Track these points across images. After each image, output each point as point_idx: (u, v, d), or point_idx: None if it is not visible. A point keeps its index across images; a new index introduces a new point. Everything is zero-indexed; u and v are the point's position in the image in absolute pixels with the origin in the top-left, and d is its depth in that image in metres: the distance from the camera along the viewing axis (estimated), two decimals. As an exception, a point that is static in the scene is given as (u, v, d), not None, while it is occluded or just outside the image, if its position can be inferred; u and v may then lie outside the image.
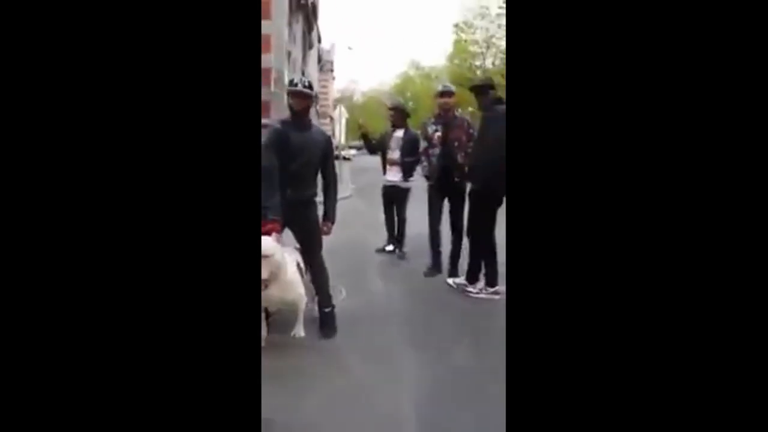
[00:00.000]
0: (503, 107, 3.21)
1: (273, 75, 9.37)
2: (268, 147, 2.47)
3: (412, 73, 39.62)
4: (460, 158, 3.71)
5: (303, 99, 2.51)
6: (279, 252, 2.30)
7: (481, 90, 3.43)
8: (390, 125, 4.67)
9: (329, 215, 2.76)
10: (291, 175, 2.50)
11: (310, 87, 2.59)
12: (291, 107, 2.54)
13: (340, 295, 2.88)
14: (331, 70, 47.65)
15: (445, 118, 3.83)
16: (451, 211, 3.97)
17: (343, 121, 14.73)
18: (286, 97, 2.63)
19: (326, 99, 34.11)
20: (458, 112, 4.04)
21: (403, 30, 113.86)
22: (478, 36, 23.95)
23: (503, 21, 21.08)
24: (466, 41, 24.32)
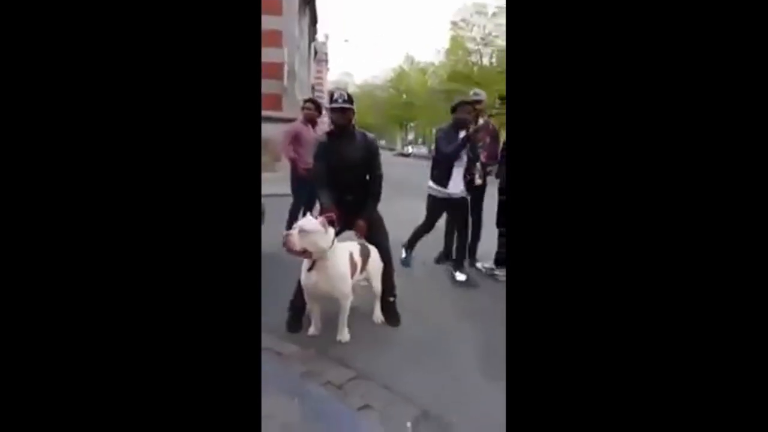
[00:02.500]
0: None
1: (285, 69, 9.67)
2: (317, 158, 2.80)
3: (406, 67, 39.98)
4: (483, 158, 3.96)
5: (343, 113, 2.72)
6: (321, 236, 2.39)
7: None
8: (455, 123, 3.78)
9: (363, 214, 2.81)
10: (344, 181, 2.77)
11: (350, 100, 2.74)
12: (333, 121, 2.78)
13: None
14: (326, 62, 47.72)
15: (475, 121, 3.91)
16: (472, 208, 4.05)
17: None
18: (328, 113, 2.83)
19: (321, 91, 34.33)
20: (484, 117, 4.22)
21: (399, 24, 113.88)
22: (476, 33, 24.42)
23: (501, 19, 21.51)
24: (463, 38, 24.76)
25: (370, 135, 2.93)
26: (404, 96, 40.29)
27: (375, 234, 2.92)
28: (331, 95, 2.80)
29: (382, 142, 40.59)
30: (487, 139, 4.05)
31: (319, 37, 40.78)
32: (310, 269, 2.50)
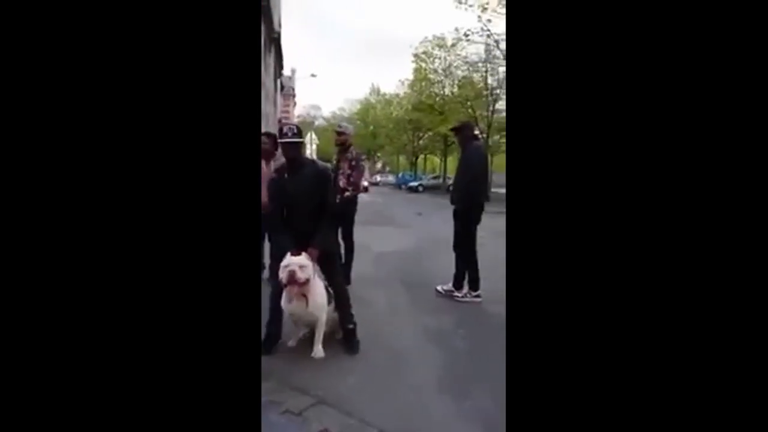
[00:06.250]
0: (477, 143, 3.98)
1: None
2: (271, 199, 2.90)
3: (373, 99, 40.86)
4: (342, 183, 4.45)
5: (292, 146, 2.85)
6: (309, 264, 2.77)
7: (460, 130, 4.15)
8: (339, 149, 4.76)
9: (315, 241, 2.84)
10: (299, 213, 2.89)
11: (299, 133, 2.89)
12: (284, 154, 2.91)
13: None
14: (293, 96, 48.37)
15: (339, 150, 4.68)
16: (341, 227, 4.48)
17: (314, 147, 15.22)
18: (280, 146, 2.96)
19: (288, 124, 34.50)
20: (351, 147, 4.71)
21: (364, 58, 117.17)
22: (437, 65, 25.29)
23: (460, 51, 22.46)
24: (425, 70, 25.57)
25: (322, 163, 3.08)
26: (371, 127, 41.03)
27: (330, 263, 3.02)
28: (281, 129, 2.95)
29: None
30: (346, 167, 4.52)
31: (286, 72, 41.38)
32: (299, 299, 2.79)
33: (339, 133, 4.72)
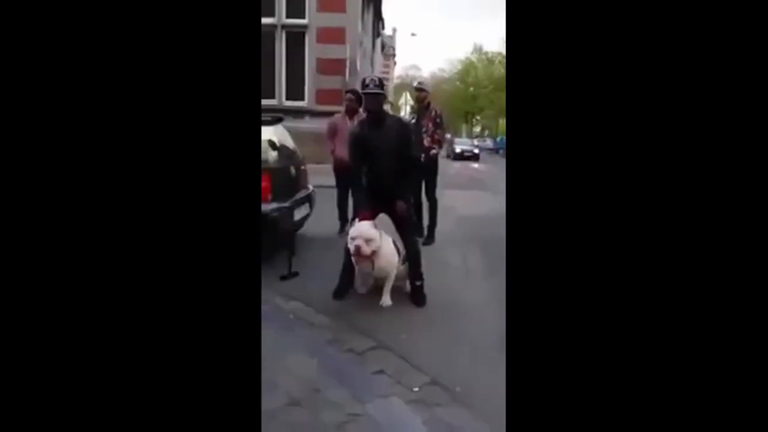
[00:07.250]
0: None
1: (348, 65, 10.03)
2: (351, 150, 2.93)
3: (474, 59, 39.28)
4: (426, 141, 4.44)
5: (375, 98, 2.84)
6: (376, 234, 2.85)
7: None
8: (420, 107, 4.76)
9: (403, 195, 2.96)
10: (381, 167, 2.91)
11: (380, 85, 2.87)
12: (366, 107, 2.93)
13: None
14: (393, 56, 48.15)
15: (419, 108, 4.65)
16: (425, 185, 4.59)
17: (408, 109, 15.13)
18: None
19: (388, 84, 34.65)
20: (432, 105, 4.70)
21: (466, 16, 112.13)
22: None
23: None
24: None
25: (405, 118, 3.08)
26: (471, 89, 39.59)
27: (405, 220, 3.07)
28: (364, 81, 2.95)
29: (447, 136, 40.02)
30: (430, 125, 4.50)
31: (387, 31, 41.13)
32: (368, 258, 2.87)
33: (418, 89, 4.76)
